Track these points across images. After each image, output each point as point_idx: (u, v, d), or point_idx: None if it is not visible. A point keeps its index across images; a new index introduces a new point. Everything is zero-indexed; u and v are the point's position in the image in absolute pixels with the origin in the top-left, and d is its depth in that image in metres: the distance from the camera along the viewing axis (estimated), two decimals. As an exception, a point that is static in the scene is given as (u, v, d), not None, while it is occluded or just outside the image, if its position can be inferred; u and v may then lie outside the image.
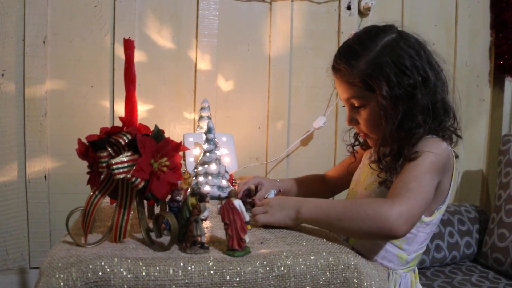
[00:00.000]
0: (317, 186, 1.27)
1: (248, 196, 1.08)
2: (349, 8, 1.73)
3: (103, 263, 0.68)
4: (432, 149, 0.92)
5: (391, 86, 0.95)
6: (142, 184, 0.75)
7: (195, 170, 1.17)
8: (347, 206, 0.85)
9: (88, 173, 0.80)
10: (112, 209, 0.94)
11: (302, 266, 0.74)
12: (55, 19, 1.46)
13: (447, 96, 1.01)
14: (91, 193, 0.77)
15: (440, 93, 0.98)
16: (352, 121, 1.05)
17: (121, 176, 0.74)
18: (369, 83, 0.96)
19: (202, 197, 0.76)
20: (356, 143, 1.18)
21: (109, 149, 0.75)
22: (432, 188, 0.90)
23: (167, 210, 0.84)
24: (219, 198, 0.80)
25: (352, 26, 1.73)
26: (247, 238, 0.76)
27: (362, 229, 0.82)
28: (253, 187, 1.10)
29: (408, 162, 0.91)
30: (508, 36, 1.87)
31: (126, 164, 0.74)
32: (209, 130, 1.17)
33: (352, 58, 0.98)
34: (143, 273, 0.68)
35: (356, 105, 1.01)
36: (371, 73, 0.95)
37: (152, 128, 0.79)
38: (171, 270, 0.69)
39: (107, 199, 0.81)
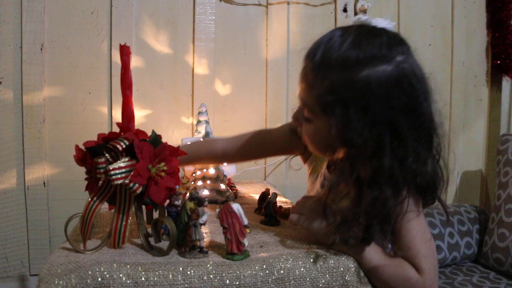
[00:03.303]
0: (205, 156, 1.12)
1: (263, 200, 1.04)
2: (345, 10, 1.73)
3: (102, 269, 0.68)
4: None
5: (346, 130, 0.75)
6: (140, 189, 0.75)
7: (194, 175, 1.17)
8: (388, 259, 0.79)
9: (86, 179, 0.80)
10: (110, 215, 0.94)
11: (302, 269, 0.74)
12: (52, 26, 1.47)
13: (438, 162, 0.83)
14: (90, 199, 0.77)
15: (426, 164, 0.78)
16: (297, 120, 0.86)
17: (119, 181, 0.74)
18: (325, 107, 0.77)
19: (200, 202, 0.76)
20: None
21: (107, 155, 0.75)
22: (429, 230, 0.83)
23: (166, 215, 0.84)
24: (217, 202, 0.80)
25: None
26: (246, 241, 0.76)
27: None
28: (268, 190, 1.06)
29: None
30: (504, 35, 1.88)
31: (124, 170, 0.74)
32: (207, 135, 1.17)
33: (323, 69, 0.77)
34: (143, 278, 0.68)
35: (305, 115, 0.82)
36: (331, 102, 0.75)
37: (149, 133, 0.79)
38: (170, 274, 0.69)
39: (105, 205, 0.81)
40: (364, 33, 0.78)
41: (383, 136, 0.74)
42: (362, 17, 0.81)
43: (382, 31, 0.79)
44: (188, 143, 1.29)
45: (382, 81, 0.73)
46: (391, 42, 0.77)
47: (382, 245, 0.83)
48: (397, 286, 0.80)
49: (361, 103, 0.73)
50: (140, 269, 0.69)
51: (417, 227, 0.80)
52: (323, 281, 0.74)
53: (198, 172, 1.15)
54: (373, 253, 0.79)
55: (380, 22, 0.80)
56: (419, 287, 0.78)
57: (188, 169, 1.23)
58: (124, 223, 0.78)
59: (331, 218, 0.79)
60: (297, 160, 1.04)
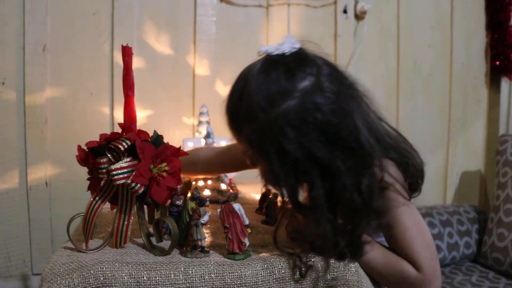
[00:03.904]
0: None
1: (265, 200, 1.03)
2: (345, 12, 1.74)
3: (104, 268, 0.68)
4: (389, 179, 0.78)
5: (276, 179, 0.75)
6: (142, 189, 0.76)
7: (195, 175, 1.17)
8: (386, 258, 0.79)
9: (88, 179, 0.81)
10: (112, 215, 0.95)
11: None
12: (54, 28, 1.47)
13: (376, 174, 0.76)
14: (92, 199, 0.78)
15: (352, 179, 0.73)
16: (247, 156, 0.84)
17: (121, 181, 0.74)
18: (253, 156, 0.80)
19: (201, 202, 0.77)
20: None
21: (109, 155, 0.76)
22: (425, 225, 0.81)
23: (167, 215, 0.84)
24: (218, 202, 0.81)
25: (348, 29, 1.74)
26: (247, 241, 0.77)
27: (394, 286, 0.81)
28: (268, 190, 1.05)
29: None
30: (503, 37, 1.88)
31: (125, 170, 0.75)
32: (208, 135, 1.17)
33: (236, 125, 0.79)
34: (144, 278, 0.69)
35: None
36: (255, 151, 0.77)
37: (151, 133, 0.80)
38: (172, 274, 0.70)
39: (107, 205, 0.82)
40: (264, 71, 0.75)
41: (311, 172, 0.72)
42: (263, 48, 0.77)
43: (281, 61, 0.75)
44: (190, 144, 1.30)
45: (290, 120, 0.71)
46: (291, 70, 0.74)
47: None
48: (397, 285, 0.80)
49: (277, 148, 0.72)
50: (142, 268, 0.70)
51: (406, 223, 0.78)
52: (324, 280, 0.75)
53: (199, 173, 1.15)
54: (372, 252, 0.78)
55: (284, 47, 0.76)
56: (419, 284, 0.76)
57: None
58: (126, 222, 0.79)
59: (285, 249, 0.76)
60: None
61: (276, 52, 0.76)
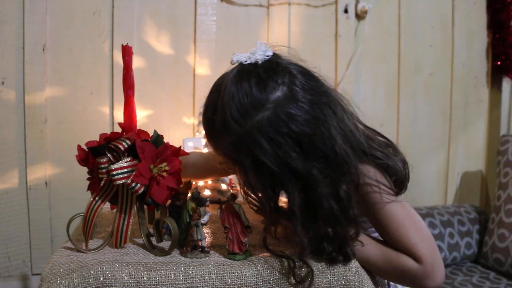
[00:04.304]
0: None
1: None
2: (346, 11, 1.74)
3: (104, 269, 0.68)
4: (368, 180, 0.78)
5: (253, 190, 0.77)
6: (142, 189, 0.75)
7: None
8: (385, 254, 0.79)
9: (88, 179, 0.81)
10: (112, 215, 0.95)
11: (303, 269, 0.74)
12: (54, 27, 1.47)
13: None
14: (92, 199, 0.78)
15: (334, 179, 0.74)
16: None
17: (121, 181, 0.74)
18: (230, 168, 0.82)
19: (202, 202, 0.77)
20: None
21: (109, 155, 0.76)
22: (417, 216, 0.80)
23: (167, 215, 0.84)
24: (219, 202, 0.81)
25: (349, 29, 1.74)
26: (247, 241, 0.76)
27: (398, 281, 0.83)
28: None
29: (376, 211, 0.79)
30: (504, 36, 1.88)
31: (125, 170, 0.74)
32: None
33: (214, 138, 0.78)
34: (144, 278, 0.68)
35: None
36: (232, 163, 0.78)
37: (151, 133, 0.80)
38: (172, 274, 0.69)
39: (107, 205, 0.82)
40: (236, 82, 0.74)
41: (288, 182, 0.73)
42: (235, 58, 0.76)
43: (253, 71, 0.75)
44: (190, 143, 1.30)
45: (264, 131, 0.71)
46: (263, 81, 0.73)
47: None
48: (400, 279, 0.80)
49: (253, 159, 0.72)
50: (142, 268, 0.70)
51: (397, 218, 0.78)
52: (324, 281, 0.75)
53: (199, 172, 1.15)
54: (371, 250, 0.79)
55: (256, 56, 0.75)
56: (421, 275, 0.76)
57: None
58: (126, 222, 0.78)
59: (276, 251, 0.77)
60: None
61: (248, 61, 0.76)
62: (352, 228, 0.76)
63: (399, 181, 0.82)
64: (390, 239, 0.79)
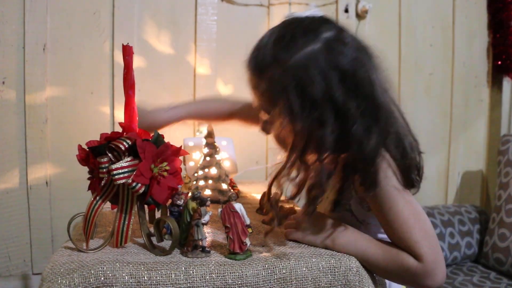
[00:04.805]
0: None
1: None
2: (346, 11, 1.74)
3: (105, 268, 0.68)
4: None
5: (292, 116, 0.78)
6: (143, 189, 0.75)
7: (195, 175, 1.17)
8: (386, 253, 0.79)
9: (88, 179, 0.81)
10: (113, 215, 0.95)
11: (304, 269, 0.74)
12: (54, 27, 1.47)
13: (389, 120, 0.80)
14: (92, 199, 0.78)
15: (365, 122, 0.77)
16: (264, 130, 0.90)
17: (122, 181, 0.74)
18: (271, 100, 0.82)
19: (202, 201, 0.77)
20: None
21: (109, 154, 0.76)
22: (423, 213, 0.80)
23: (168, 214, 0.84)
24: (219, 202, 0.80)
25: (349, 29, 1.73)
26: (248, 241, 0.76)
27: (398, 280, 0.83)
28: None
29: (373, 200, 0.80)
30: (505, 36, 1.88)
31: (126, 170, 0.74)
32: (209, 134, 1.17)
33: (259, 70, 0.82)
34: (145, 278, 0.68)
35: (264, 118, 0.87)
36: (274, 95, 0.80)
37: (152, 133, 0.80)
38: (173, 274, 0.69)
39: (108, 205, 0.82)
40: (288, 23, 0.82)
41: (325, 110, 0.76)
42: (288, 13, 0.84)
43: (306, 18, 0.82)
44: (190, 143, 1.30)
45: (312, 60, 0.76)
46: (315, 24, 0.80)
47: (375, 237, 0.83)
48: (401, 277, 0.80)
49: (298, 88, 0.76)
50: (142, 268, 0.69)
51: (401, 210, 0.78)
52: (325, 280, 0.74)
53: (200, 172, 1.15)
54: (370, 249, 0.79)
55: (307, 13, 0.83)
56: (421, 274, 0.75)
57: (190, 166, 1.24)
58: (126, 222, 0.78)
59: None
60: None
61: (300, 15, 0.83)
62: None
63: (411, 175, 0.83)
64: (393, 234, 0.79)
